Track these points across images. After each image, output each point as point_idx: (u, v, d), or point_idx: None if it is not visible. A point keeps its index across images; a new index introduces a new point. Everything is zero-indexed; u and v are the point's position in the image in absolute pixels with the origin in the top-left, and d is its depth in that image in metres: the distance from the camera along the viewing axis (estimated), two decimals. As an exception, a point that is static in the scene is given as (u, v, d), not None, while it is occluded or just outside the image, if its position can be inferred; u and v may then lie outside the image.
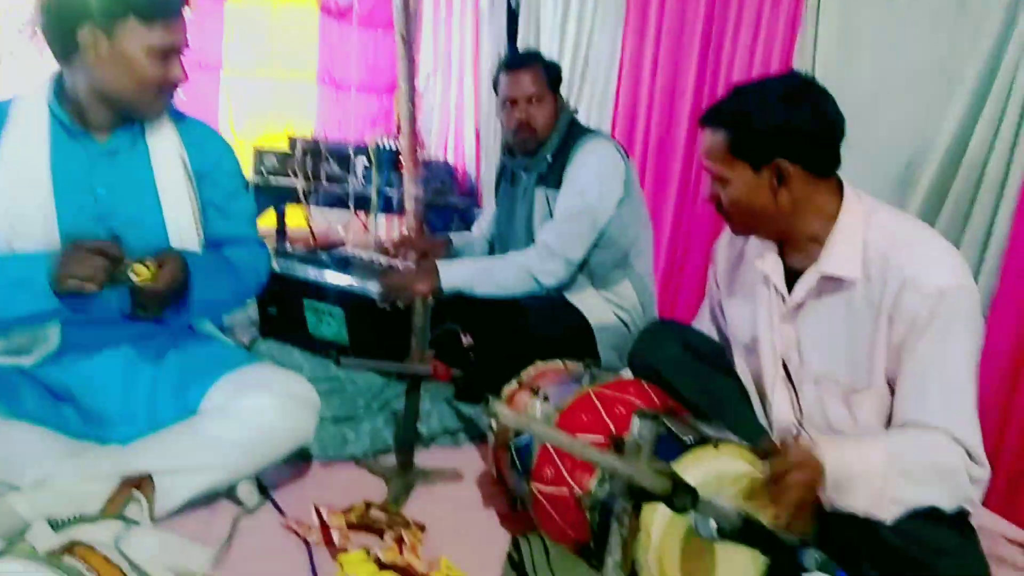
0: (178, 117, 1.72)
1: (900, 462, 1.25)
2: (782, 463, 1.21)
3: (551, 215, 2.33)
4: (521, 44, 4.26)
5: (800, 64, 2.56)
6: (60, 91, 1.57)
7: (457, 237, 2.82)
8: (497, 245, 2.63)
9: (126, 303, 1.58)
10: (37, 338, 1.57)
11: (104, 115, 1.58)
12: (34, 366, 1.57)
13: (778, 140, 1.37)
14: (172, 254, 1.51)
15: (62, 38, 1.49)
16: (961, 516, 1.33)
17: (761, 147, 1.37)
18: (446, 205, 4.66)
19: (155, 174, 1.63)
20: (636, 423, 1.04)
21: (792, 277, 1.50)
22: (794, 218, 1.42)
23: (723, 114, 1.41)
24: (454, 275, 2.17)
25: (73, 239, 1.45)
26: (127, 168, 1.61)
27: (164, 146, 1.65)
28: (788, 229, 1.45)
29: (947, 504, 1.27)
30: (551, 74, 2.36)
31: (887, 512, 1.25)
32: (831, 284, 1.42)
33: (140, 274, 1.43)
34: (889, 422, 1.40)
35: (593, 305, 2.36)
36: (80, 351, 1.59)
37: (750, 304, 1.59)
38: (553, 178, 2.33)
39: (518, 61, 2.38)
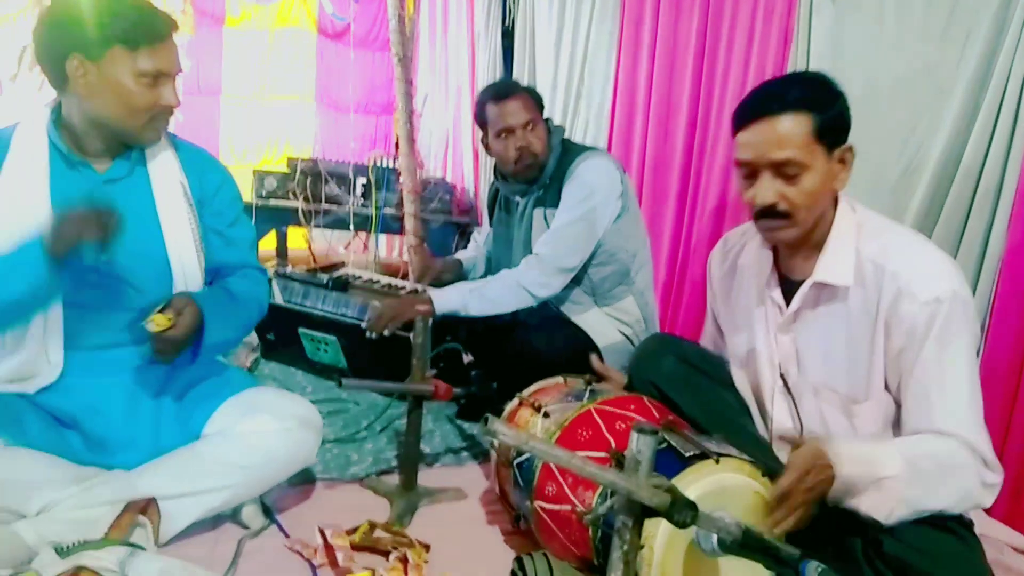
0: (178, 144, 1.74)
1: (913, 466, 1.26)
2: (795, 467, 1.21)
3: None
4: (517, 63, 4.29)
5: (794, 75, 2.59)
6: (59, 120, 1.59)
7: (462, 256, 2.82)
8: (496, 270, 2.60)
9: (130, 330, 1.59)
10: (40, 365, 1.57)
11: (101, 143, 1.59)
12: (38, 394, 1.58)
13: (846, 125, 1.37)
14: (188, 301, 1.53)
15: (53, 68, 1.52)
16: (963, 524, 1.34)
17: (840, 129, 1.36)
18: (446, 223, 4.68)
19: (156, 201, 1.64)
20: (635, 438, 1.05)
21: (787, 287, 1.51)
22: (820, 217, 1.42)
23: (800, 98, 1.34)
24: (447, 300, 2.18)
25: (73, 269, 1.45)
26: (128, 196, 1.62)
27: (164, 173, 1.67)
28: (812, 230, 1.43)
29: (957, 509, 1.28)
30: (536, 99, 2.38)
31: (892, 515, 1.25)
32: (826, 293, 1.43)
33: (159, 324, 1.46)
34: (894, 431, 1.40)
35: (597, 324, 2.36)
36: (83, 377, 1.60)
37: (746, 316, 1.60)
38: (551, 197, 2.34)
39: (505, 91, 2.36)
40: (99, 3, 1.50)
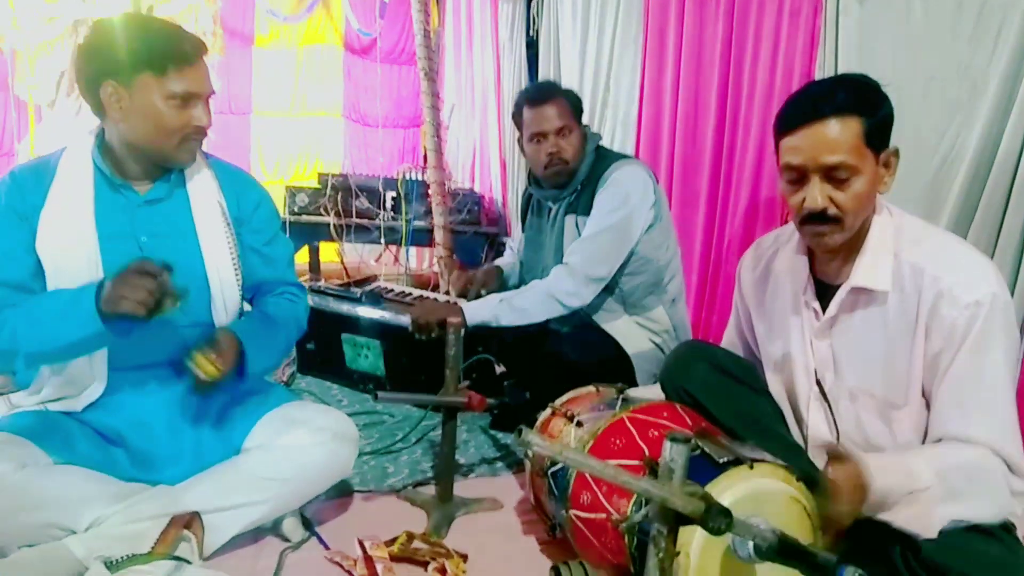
0: (215, 165, 1.78)
1: (944, 480, 1.24)
2: (833, 493, 1.21)
3: None
4: (542, 72, 4.32)
5: (822, 76, 2.57)
6: (102, 145, 1.65)
7: (502, 263, 2.83)
8: (527, 276, 2.61)
9: (172, 348, 1.63)
10: (84, 383, 1.62)
11: (140, 166, 1.64)
12: (85, 411, 1.63)
13: (890, 128, 1.36)
14: (229, 338, 1.58)
15: (90, 95, 1.57)
16: (1005, 528, 1.32)
17: (886, 133, 1.35)
18: (475, 234, 4.71)
19: (195, 221, 1.69)
20: (668, 446, 1.05)
21: (823, 292, 1.50)
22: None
23: (849, 101, 1.32)
24: (478, 312, 2.19)
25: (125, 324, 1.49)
26: (168, 216, 1.67)
27: (203, 194, 1.72)
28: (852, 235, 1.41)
29: (989, 518, 1.26)
30: (574, 104, 2.36)
31: (928, 528, 1.24)
32: (864, 297, 1.41)
33: (203, 368, 1.51)
34: (926, 435, 1.39)
35: (628, 332, 2.35)
36: (128, 395, 1.65)
37: (781, 322, 1.59)
38: (583, 204, 2.33)
39: (541, 95, 2.35)
40: (128, 30, 1.56)
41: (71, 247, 1.57)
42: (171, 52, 1.55)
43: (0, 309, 1.52)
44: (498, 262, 2.84)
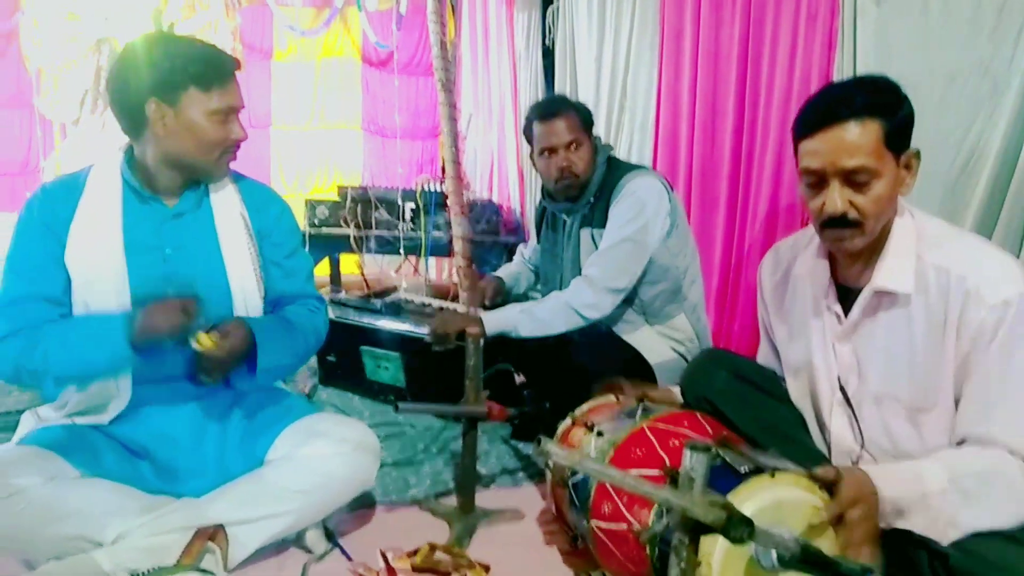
0: (239, 179, 1.82)
1: (959, 485, 1.23)
2: (844, 500, 1.20)
3: None
4: (558, 80, 4.32)
5: (840, 79, 2.55)
6: (131, 160, 1.69)
7: (504, 273, 2.84)
8: (544, 289, 2.62)
9: (191, 367, 1.65)
10: (110, 396, 1.64)
11: (172, 180, 1.68)
12: (111, 424, 1.65)
13: (911, 129, 1.35)
14: (238, 324, 1.60)
15: (130, 114, 1.61)
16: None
17: (906, 135, 1.34)
18: (494, 243, 4.72)
19: (218, 234, 1.72)
20: (688, 455, 1.05)
21: (844, 296, 1.49)
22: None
23: (868, 104, 1.30)
24: (497, 321, 2.19)
25: (143, 296, 1.56)
26: (193, 229, 1.70)
27: (227, 207, 1.75)
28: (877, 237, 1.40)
29: (1011, 523, 1.24)
30: (583, 117, 2.37)
31: (946, 535, 1.22)
32: (887, 300, 1.40)
33: (202, 343, 1.52)
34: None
35: (649, 342, 2.34)
36: (153, 408, 1.67)
37: (802, 327, 1.58)
38: (598, 217, 2.33)
39: (550, 110, 2.36)
40: (172, 50, 1.60)
41: (99, 260, 1.61)
42: (213, 70, 1.61)
43: (35, 326, 1.56)
44: (501, 271, 2.85)
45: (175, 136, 1.61)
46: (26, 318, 1.57)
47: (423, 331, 2.56)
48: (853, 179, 1.32)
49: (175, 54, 1.59)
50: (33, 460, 1.50)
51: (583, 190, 2.36)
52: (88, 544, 1.48)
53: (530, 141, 2.42)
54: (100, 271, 1.60)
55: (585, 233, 2.38)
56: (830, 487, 1.23)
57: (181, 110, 1.59)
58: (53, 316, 1.59)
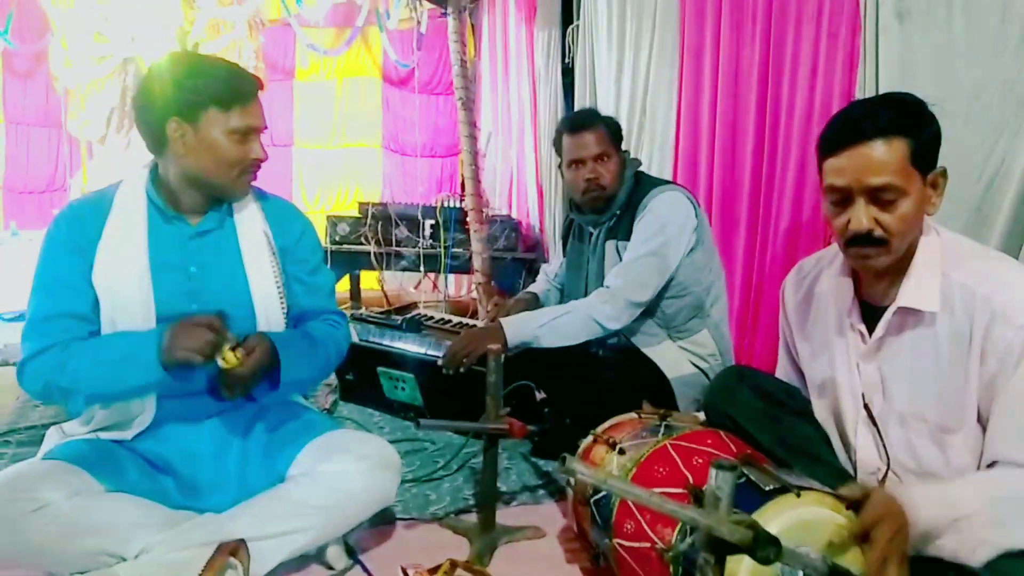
0: (261, 196, 1.84)
1: (993, 508, 1.21)
2: (868, 517, 1.18)
3: None
4: (578, 99, 4.34)
5: (863, 97, 2.54)
6: (156, 178, 1.71)
7: (536, 289, 2.84)
8: (567, 300, 2.60)
9: (213, 382, 1.67)
10: (134, 412, 1.66)
11: (195, 199, 1.70)
12: (134, 440, 1.66)
13: (938, 148, 1.34)
14: (261, 339, 1.61)
15: (152, 132, 1.64)
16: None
17: (933, 154, 1.33)
18: (513, 260, 4.73)
19: (242, 251, 1.74)
20: (714, 474, 1.04)
21: (869, 315, 1.47)
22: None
23: (895, 122, 1.30)
24: (518, 331, 2.19)
25: (168, 314, 1.58)
26: (216, 247, 1.72)
27: (250, 224, 1.76)
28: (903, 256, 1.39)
29: None
30: (613, 131, 2.40)
31: (975, 556, 1.20)
32: (912, 319, 1.39)
33: (228, 361, 1.54)
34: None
35: (669, 356, 2.33)
36: (176, 424, 1.68)
37: (825, 345, 1.56)
38: (623, 230, 2.35)
39: (580, 122, 2.40)
40: (194, 69, 1.63)
41: (125, 279, 1.62)
42: (235, 89, 1.63)
43: (65, 343, 1.58)
44: (532, 288, 2.85)
45: (194, 155, 1.62)
46: (56, 336, 1.58)
47: (437, 354, 2.57)
48: (879, 197, 1.31)
49: (197, 73, 1.61)
50: (58, 475, 1.51)
51: (610, 203, 2.38)
52: (111, 559, 1.49)
53: (559, 153, 2.45)
54: (127, 290, 1.62)
55: (610, 245, 2.39)
56: (856, 506, 1.21)
57: (201, 129, 1.61)
58: (82, 334, 1.61)
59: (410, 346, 2.75)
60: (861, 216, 1.33)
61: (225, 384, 1.60)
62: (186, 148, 1.62)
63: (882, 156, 1.29)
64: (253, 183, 1.77)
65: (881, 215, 1.32)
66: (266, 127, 1.71)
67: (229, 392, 1.61)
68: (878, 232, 1.33)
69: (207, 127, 1.61)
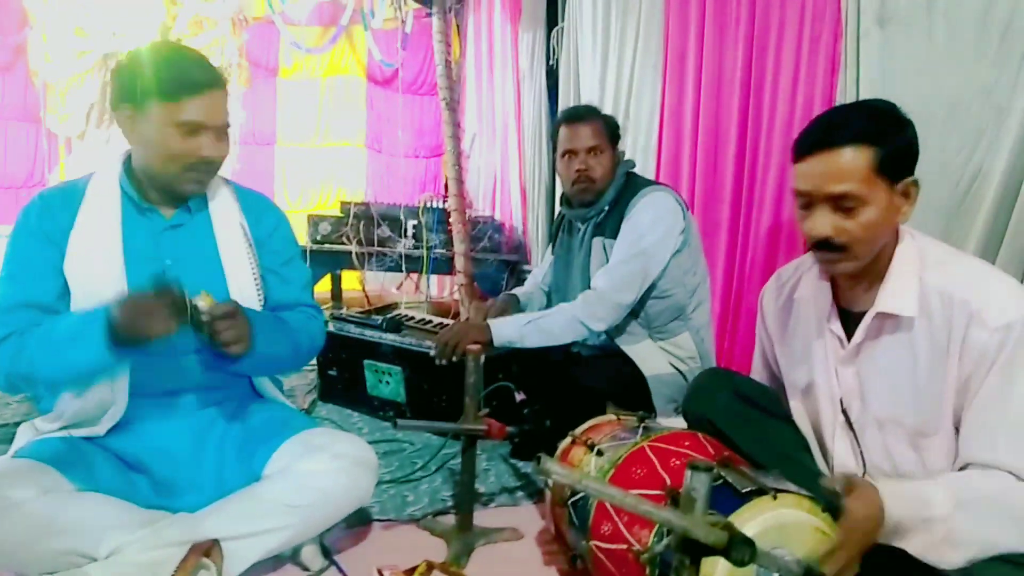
0: (237, 189, 1.82)
1: (965, 510, 1.21)
2: (845, 528, 1.18)
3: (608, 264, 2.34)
4: (561, 100, 4.35)
5: (843, 102, 2.56)
6: (129, 169, 1.68)
7: (519, 292, 2.84)
8: (554, 295, 2.64)
9: (194, 374, 1.64)
10: (106, 407, 1.63)
11: (157, 191, 1.67)
12: (107, 437, 1.64)
13: (911, 157, 1.34)
14: (234, 303, 1.57)
15: (117, 120, 1.61)
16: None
17: (904, 162, 1.33)
18: (495, 261, 4.73)
19: (218, 243, 1.72)
20: (690, 475, 1.04)
21: (847, 320, 1.48)
22: (882, 248, 1.39)
23: (862, 130, 1.31)
24: (504, 331, 2.19)
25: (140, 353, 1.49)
26: (192, 239, 1.70)
27: (226, 216, 1.74)
28: (873, 262, 1.40)
29: (1015, 548, 1.22)
30: (609, 127, 2.42)
31: (945, 558, 1.21)
32: (890, 324, 1.39)
33: (205, 299, 1.48)
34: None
35: (647, 355, 2.34)
36: (150, 422, 1.66)
37: (804, 350, 1.57)
38: (611, 228, 2.36)
39: (577, 115, 2.43)
40: (152, 57, 1.59)
41: (98, 270, 1.60)
42: (183, 80, 1.57)
43: (24, 332, 1.54)
44: (516, 290, 2.85)
45: (142, 144, 1.59)
46: (17, 325, 1.55)
47: (426, 345, 2.56)
48: (840, 204, 1.33)
49: (151, 62, 1.57)
50: (28, 473, 1.48)
51: (598, 197, 2.39)
52: (82, 559, 1.46)
53: (556, 146, 2.47)
54: (99, 282, 1.59)
55: (597, 242, 2.40)
56: (833, 508, 1.21)
57: (146, 118, 1.56)
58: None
59: (399, 339, 2.75)
60: (821, 222, 1.34)
61: (218, 339, 1.51)
62: (135, 137, 1.59)
63: (845, 164, 1.30)
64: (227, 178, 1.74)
65: (843, 222, 1.33)
66: (225, 124, 1.65)
67: (226, 346, 1.51)
68: (839, 239, 1.34)
69: (152, 117, 1.56)
